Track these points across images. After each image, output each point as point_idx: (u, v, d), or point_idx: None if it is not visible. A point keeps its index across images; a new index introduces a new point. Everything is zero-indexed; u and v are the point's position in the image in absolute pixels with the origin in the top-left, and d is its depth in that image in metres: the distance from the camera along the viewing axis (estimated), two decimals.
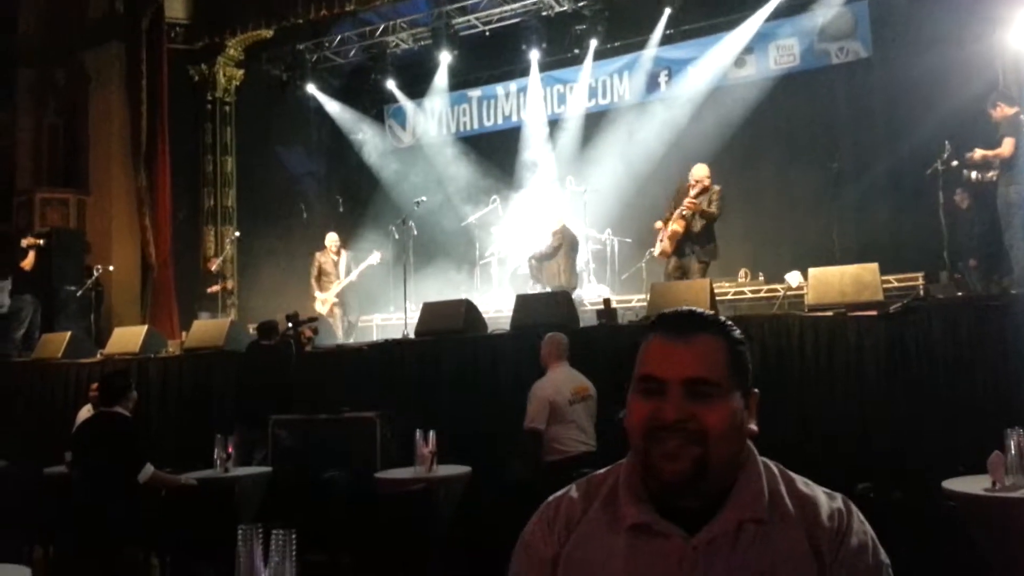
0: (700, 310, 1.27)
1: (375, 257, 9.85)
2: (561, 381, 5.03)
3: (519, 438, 5.02)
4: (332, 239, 10.05)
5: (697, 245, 7.52)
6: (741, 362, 1.23)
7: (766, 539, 1.16)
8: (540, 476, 4.88)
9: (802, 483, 1.24)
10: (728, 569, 1.15)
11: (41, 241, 9.91)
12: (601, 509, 1.25)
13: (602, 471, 1.33)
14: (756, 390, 1.24)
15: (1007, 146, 6.49)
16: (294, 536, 2.04)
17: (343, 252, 10.03)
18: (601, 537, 1.22)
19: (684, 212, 7.47)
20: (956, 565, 2.88)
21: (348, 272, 9.86)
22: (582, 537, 1.24)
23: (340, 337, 9.36)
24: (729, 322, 1.26)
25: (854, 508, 1.21)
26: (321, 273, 9.89)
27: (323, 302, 9.81)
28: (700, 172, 7.63)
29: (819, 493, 1.23)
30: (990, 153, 6.61)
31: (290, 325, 7.27)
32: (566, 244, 9.11)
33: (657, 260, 8.17)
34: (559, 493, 1.32)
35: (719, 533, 1.17)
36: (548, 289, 8.69)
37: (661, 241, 7.68)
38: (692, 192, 7.53)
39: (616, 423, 1.28)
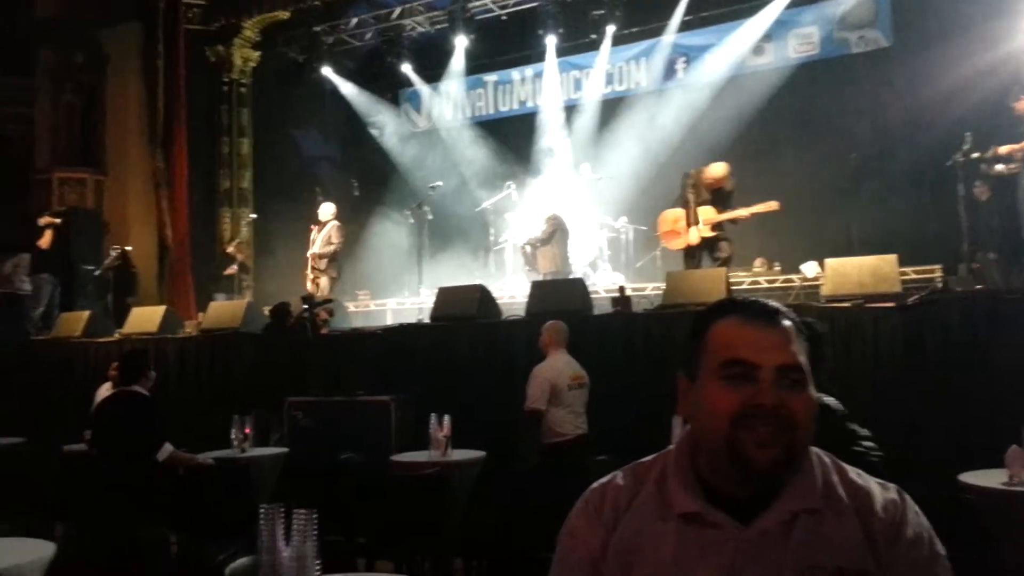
0: (765, 301, 1.25)
1: (337, 233, 9.51)
2: (561, 366, 5.20)
3: (523, 421, 5.14)
4: (325, 209, 9.72)
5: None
6: (810, 353, 1.21)
7: (821, 530, 1.15)
8: (540, 457, 5.04)
9: (855, 474, 1.22)
10: (782, 560, 1.13)
11: (58, 220, 9.96)
12: (650, 496, 1.24)
13: (648, 458, 1.31)
14: None
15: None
16: (315, 516, 2.07)
17: (329, 224, 9.58)
18: (651, 524, 1.21)
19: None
20: (972, 559, 2.87)
21: (327, 243, 9.50)
22: (631, 524, 1.22)
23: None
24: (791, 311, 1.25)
25: (908, 499, 1.19)
26: (310, 246, 9.68)
27: (308, 276, 9.60)
28: (718, 172, 7.76)
29: (872, 484, 1.21)
30: (1017, 147, 6.54)
31: (305, 307, 7.32)
32: (559, 231, 9.12)
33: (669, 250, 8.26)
34: (603, 480, 1.30)
35: (773, 524, 1.15)
36: (542, 275, 8.71)
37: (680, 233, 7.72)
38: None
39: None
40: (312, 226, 9.78)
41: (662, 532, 1.19)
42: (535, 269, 9.17)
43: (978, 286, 6.60)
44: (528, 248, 9.33)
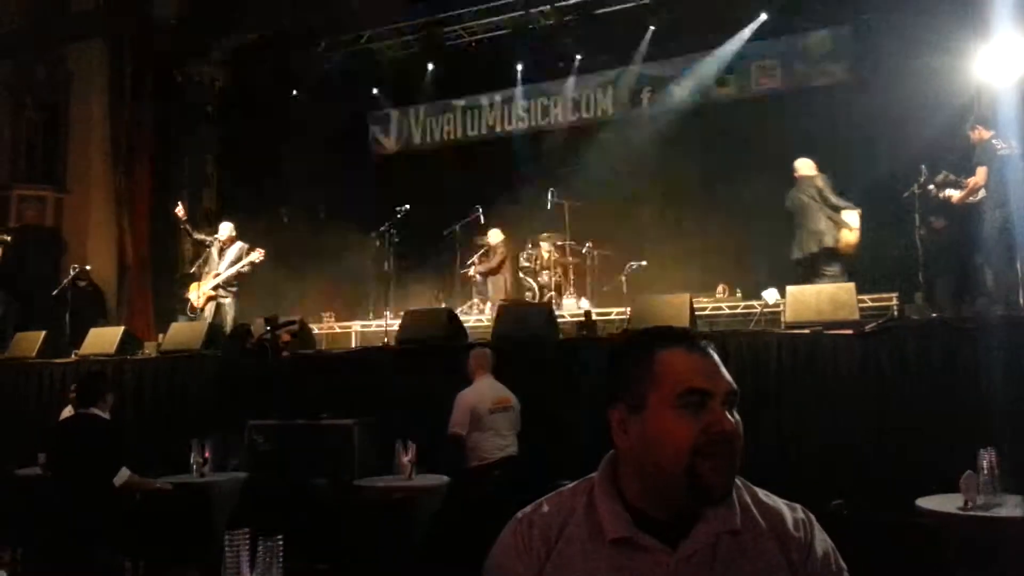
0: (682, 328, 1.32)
1: (256, 255, 8.94)
2: (484, 391, 5.42)
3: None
4: (226, 228, 9.20)
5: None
6: None
7: (742, 551, 1.20)
8: (462, 479, 5.19)
9: (764, 495, 1.28)
10: None
11: (8, 238, 9.73)
12: (580, 523, 1.25)
13: (571, 485, 1.32)
14: None
15: (980, 175, 6.64)
16: (281, 543, 2.05)
17: (236, 244, 9.08)
18: (583, 553, 1.22)
19: None
20: None
21: (232, 266, 9.01)
22: (564, 552, 1.23)
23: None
24: None
25: (813, 517, 1.26)
26: (207, 260, 9.14)
27: (200, 294, 9.03)
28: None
29: (781, 504, 1.27)
30: (967, 189, 6.75)
31: (267, 329, 7.22)
32: (509, 258, 9.15)
33: None
34: (527, 509, 1.31)
35: (700, 546, 1.19)
36: (491, 304, 8.69)
37: None
38: None
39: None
40: (204, 239, 9.36)
41: (595, 558, 1.21)
42: (487, 297, 9.13)
43: (933, 314, 6.75)
44: (478, 278, 9.28)
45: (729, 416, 1.19)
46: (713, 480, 1.17)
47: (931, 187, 7.02)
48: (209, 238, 9.25)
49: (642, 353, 1.25)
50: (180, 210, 9.63)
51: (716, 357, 1.24)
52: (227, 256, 9.04)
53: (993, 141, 6.74)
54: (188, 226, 9.63)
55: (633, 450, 1.23)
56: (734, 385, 1.21)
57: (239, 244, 9.10)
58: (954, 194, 6.85)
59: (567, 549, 1.23)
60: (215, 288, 8.98)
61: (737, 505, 1.22)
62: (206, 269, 9.12)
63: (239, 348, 6.91)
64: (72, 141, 12.13)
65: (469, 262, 9.64)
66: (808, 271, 7.90)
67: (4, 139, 12.18)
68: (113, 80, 12.03)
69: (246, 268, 8.99)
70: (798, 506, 1.27)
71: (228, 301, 9.07)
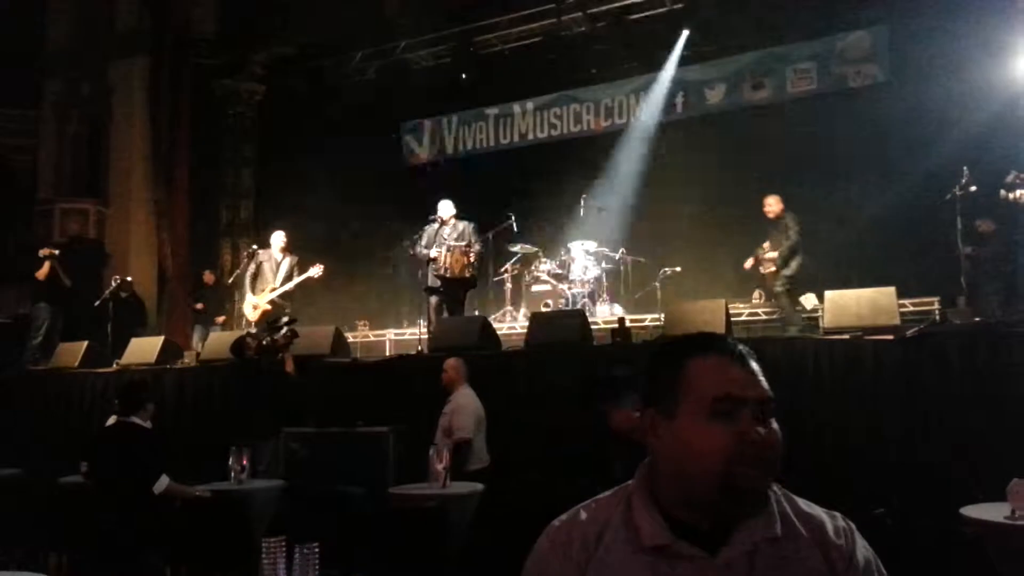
0: (722, 336, 1.31)
1: (316, 270, 8.84)
2: (476, 399, 5.68)
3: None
4: (278, 238, 9.05)
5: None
6: None
7: (783, 558, 1.19)
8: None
9: (804, 504, 1.27)
10: None
11: (57, 252, 9.97)
12: (619, 531, 1.25)
13: (608, 493, 1.32)
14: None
15: None
16: (317, 550, 2.06)
17: (288, 256, 8.99)
18: (622, 560, 1.22)
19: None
20: None
21: (288, 279, 8.87)
22: (604, 559, 1.23)
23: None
24: None
25: (854, 526, 1.26)
26: (258, 273, 8.95)
27: (254, 307, 8.83)
28: (770, 202, 8.27)
29: (821, 513, 1.26)
30: None
31: (265, 335, 6.92)
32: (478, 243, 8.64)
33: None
34: (565, 517, 1.31)
35: (738, 554, 1.18)
36: (443, 275, 8.20)
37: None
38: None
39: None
40: (257, 248, 9.28)
41: (635, 566, 1.21)
42: (449, 271, 8.20)
43: (976, 319, 6.61)
44: (442, 252, 8.32)
45: (764, 424, 1.18)
46: (748, 487, 1.17)
47: (1000, 190, 6.81)
48: (262, 251, 9.11)
49: (676, 359, 1.25)
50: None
51: (754, 364, 1.23)
52: (282, 268, 8.90)
53: None
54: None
55: (666, 455, 1.24)
56: (769, 393, 1.20)
57: (290, 257, 9.01)
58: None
59: (606, 557, 1.23)
60: (270, 303, 8.80)
61: (776, 513, 1.22)
62: (259, 285, 8.92)
63: (240, 359, 6.75)
64: (113, 155, 12.41)
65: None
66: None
67: (49, 154, 12.50)
68: (153, 95, 12.29)
69: (305, 283, 8.84)
70: (838, 514, 1.27)
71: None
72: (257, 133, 13.18)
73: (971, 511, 3.58)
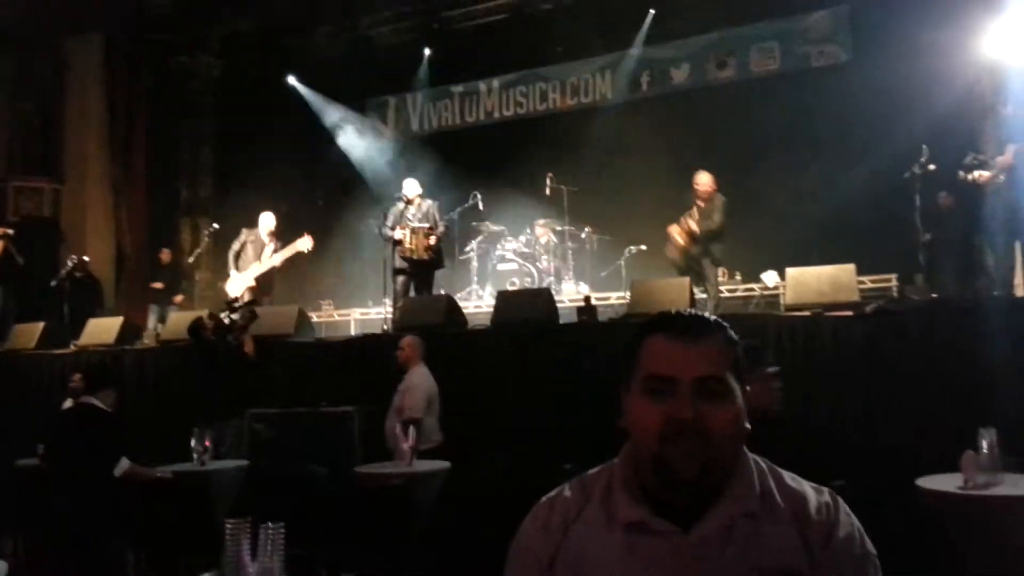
0: (700, 313, 1.29)
1: (305, 242, 8.64)
2: (431, 378, 5.67)
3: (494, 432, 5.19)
4: (267, 220, 8.83)
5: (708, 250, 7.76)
6: (739, 361, 1.25)
7: (758, 534, 1.19)
8: None
9: (790, 478, 1.27)
10: (723, 565, 1.17)
11: (10, 231, 9.70)
12: (597, 508, 1.27)
13: (595, 470, 1.34)
14: (748, 388, 1.27)
15: (1010, 154, 6.38)
16: (283, 531, 2.04)
17: (275, 240, 8.78)
18: (598, 535, 1.24)
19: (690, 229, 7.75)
20: (931, 560, 2.94)
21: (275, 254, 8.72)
22: (578, 536, 1.25)
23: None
24: (725, 324, 1.29)
25: (841, 501, 1.24)
26: (242, 252, 8.77)
27: (238, 283, 8.68)
28: (703, 180, 7.84)
29: (807, 488, 1.26)
30: (997, 168, 6.51)
31: (224, 317, 6.82)
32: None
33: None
34: (552, 493, 1.34)
35: (713, 529, 1.19)
36: (415, 259, 8.16)
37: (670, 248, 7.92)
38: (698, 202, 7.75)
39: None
40: (243, 227, 8.96)
41: (609, 542, 1.22)
42: (414, 252, 8.14)
43: (933, 295, 6.74)
44: (407, 234, 8.20)
45: (710, 403, 1.17)
46: (676, 466, 1.17)
47: (959, 171, 6.85)
48: (248, 230, 8.88)
49: (636, 337, 1.27)
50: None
51: (707, 342, 1.22)
52: (267, 251, 8.72)
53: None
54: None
55: (629, 432, 1.26)
56: (709, 372, 1.19)
57: (276, 242, 8.77)
58: (983, 174, 6.66)
59: (582, 532, 1.25)
60: (256, 279, 8.65)
61: (758, 488, 1.22)
62: (241, 265, 8.70)
63: (197, 340, 6.65)
64: (68, 133, 12.08)
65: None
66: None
67: (1, 132, 12.13)
68: (109, 71, 11.98)
69: (289, 256, 8.66)
70: (826, 490, 1.26)
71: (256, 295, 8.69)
72: (216, 111, 12.92)
73: (926, 482, 3.67)
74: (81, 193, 11.83)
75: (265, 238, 8.78)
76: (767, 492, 1.23)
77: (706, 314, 1.29)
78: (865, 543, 1.21)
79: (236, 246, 8.84)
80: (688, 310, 1.30)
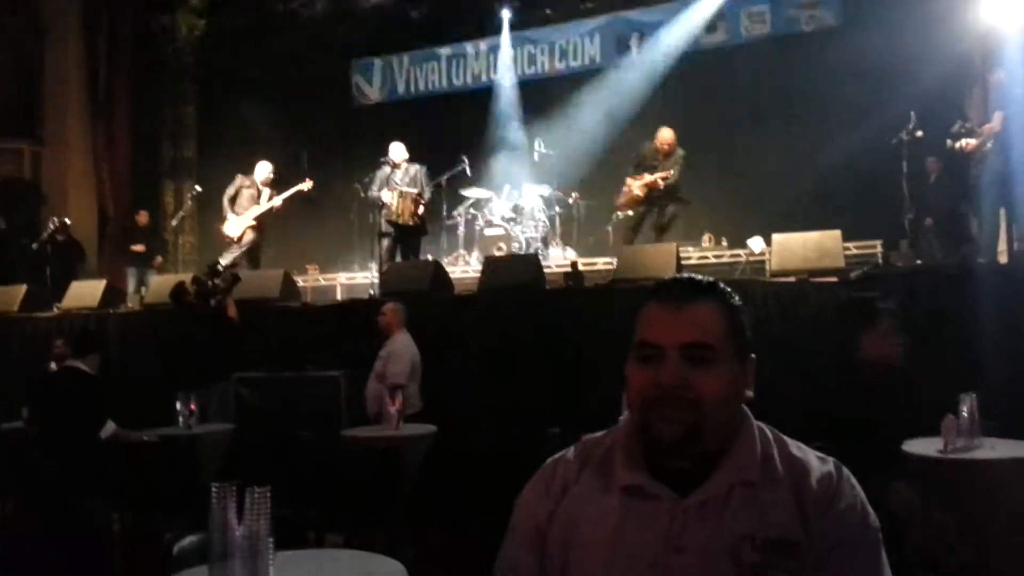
0: (699, 277, 1.28)
1: (306, 184, 8.85)
2: (412, 345, 5.63)
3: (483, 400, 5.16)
4: (264, 168, 8.89)
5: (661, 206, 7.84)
6: (739, 329, 1.24)
7: (755, 502, 1.18)
8: None
9: (795, 447, 1.25)
10: (717, 531, 1.17)
11: None
12: (596, 471, 1.28)
13: (599, 434, 1.35)
14: (753, 356, 1.26)
15: (997, 121, 6.36)
16: (269, 494, 2.03)
17: (270, 190, 8.87)
18: (594, 498, 1.24)
19: (649, 182, 7.77)
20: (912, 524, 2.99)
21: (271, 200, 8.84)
22: (576, 497, 1.26)
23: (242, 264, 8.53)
24: (728, 289, 1.27)
25: (845, 472, 1.22)
26: (237, 197, 8.83)
27: (237, 225, 8.74)
28: (666, 136, 7.85)
29: (811, 457, 1.24)
30: (984, 136, 6.50)
31: (205, 280, 6.76)
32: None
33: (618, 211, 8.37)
34: (557, 455, 1.34)
35: (710, 496, 1.19)
36: (399, 223, 8.21)
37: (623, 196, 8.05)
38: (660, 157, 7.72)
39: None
40: (239, 174, 8.98)
41: (605, 505, 1.23)
42: (400, 217, 8.20)
43: (918, 261, 6.78)
44: (394, 196, 8.23)
45: (680, 370, 1.17)
46: (659, 428, 1.18)
47: (947, 140, 6.83)
48: (243, 176, 8.93)
49: (641, 304, 1.28)
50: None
51: (696, 308, 1.21)
52: (263, 198, 8.83)
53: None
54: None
55: None
56: (696, 338, 1.18)
57: (271, 190, 8.91)
58: (970, 142, 6.64)
59: (580, 493, 1.26)
60: (256, 218, 8.76)
61: (759, 456, 1.21)
62: (239, 203, 8.78)
63: (179, 304, 6.59)
64: (48, 93, 11.86)
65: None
66: None
67: None
68: (88, 29, 11.73)
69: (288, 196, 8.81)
70: (831, 459, 1.24)
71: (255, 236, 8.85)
72: (199, 70, 12.70)
73: (910, 446, 3.72)
74: (62, 155, 11.66)
75: (260, 186, 8.84)
76: (768, 460, 1.22)
77: (703, 278, 1.27)
78: (868, 516, 1.19)
79: (231, 191, 8.87)
80: (686, 275, 1.29)
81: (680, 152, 7.89)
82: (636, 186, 7.96)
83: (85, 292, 8.25)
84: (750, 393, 1.25)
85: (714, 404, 1.18)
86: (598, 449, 1.30)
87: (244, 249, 8.76)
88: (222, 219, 8.93)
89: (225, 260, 8.14)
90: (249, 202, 8.80)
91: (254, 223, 8.75)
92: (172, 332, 7.13)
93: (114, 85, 11.75)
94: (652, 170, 7.96)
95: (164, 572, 2.29)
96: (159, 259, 10.64)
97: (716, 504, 1.18)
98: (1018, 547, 3.41)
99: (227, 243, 8.85)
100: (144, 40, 12.20)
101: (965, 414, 3.61)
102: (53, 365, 6.12)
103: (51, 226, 9.90)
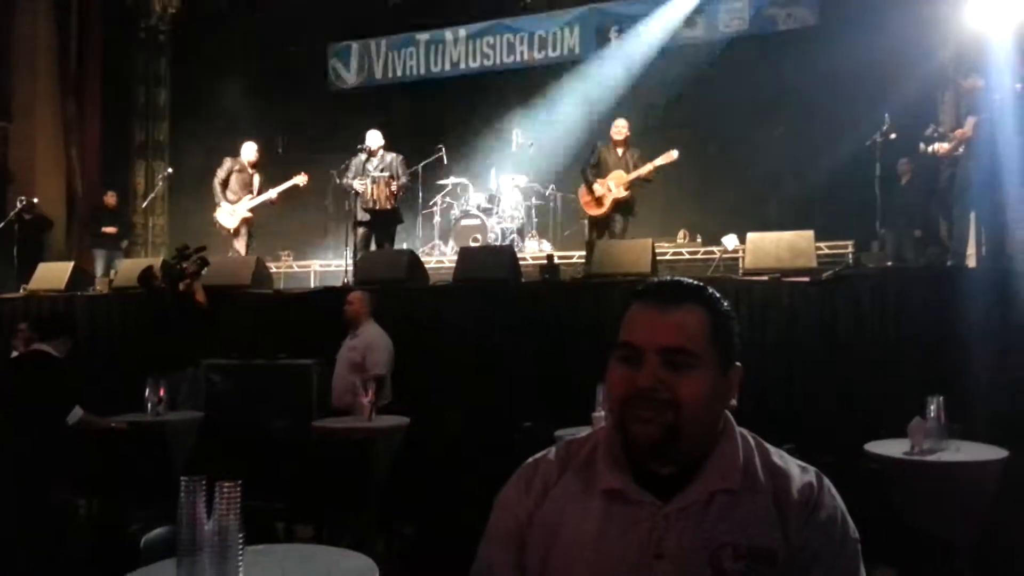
0: (687, 280, 1.27)
1: (301, 178, 8.80)
2: (385, 335, 5.56)
3: (455, 390, 5.15)
4: (250, 150, 8.80)
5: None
6: (725, 336, 1.23)
7: (736, 510, 1.18)
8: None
9: (777, 455, 1.25)
10: (697, 537, 1.17)
11: None
12: (578, 473, 1.27)
13: (582, 436, 1.34)
14: (739, 364, 1.25)
15: (969, 126, 6.41)
16: (239, 488, 2.01)
17: (258, 172, 8.85)
18: (575, 501, 1.24)
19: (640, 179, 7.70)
20: (876, 524, 3.02)
21: (262, 191, 8.76)
22: (556, 499, 1.26)
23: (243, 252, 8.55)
24: (716, 294, 1.26)
25: (827, 482, 1.23)
26: (229, 181, 8.70)
27: (231, 214, 8.65)
28: (623, 123, 7.89)
29: (792, 466, 1.24)
30: (956, 141, 6.56)
31: (173, 264, 6.67)
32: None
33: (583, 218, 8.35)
34: (538, 455, 1.34)
35: (691, 502, 1.19)
36: (374, 208, 8.19)
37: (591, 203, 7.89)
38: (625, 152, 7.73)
39: None
40: (226, 157, 8.86)
41: (586, 508, 1.22)
42: (377, 203, 8.18)
43: (888, 263, 6.87)
44: (367, 184, 8.21)
45: (659, 372, 1.17)
46: (634, 432, 1.18)
47: (920, 143, 6.89)
48: (231, 159, 8.81)
49: (626, 304, 1.28)
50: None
51: (679, 312, 1.20)
52: (255, 181, 8.77)
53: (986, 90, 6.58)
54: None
55: None
56: (677, 343, 1.18)
57: (259, 174, 8.85)
58: (943, 146, 6.71)
59: (561, 495, 1.25)
60: (251, 210, 8.70)
61: (741, 464, 1.21)
62: (228, 195, 8.67)
63: (147, 289, 6.50)
64: (16, 68, 11.57)
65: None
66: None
67: None
68: (59, 5, 11.47)
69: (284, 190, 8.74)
70: (812, 469, 1.24)
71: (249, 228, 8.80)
72: (172, 50, 12.49)
73: (874, 447, 3.78)
74: (30, 132, 11.40)
75: (250, 169, 8.77)
76: (750, 468, 1.22)
77: (690, 281, 1.26)
78: (847, 527, 1.19)
79: (221, 175, 8.76)
80: (673, 278, 1.29)
81: (632, 148, 7.86)
82: (617, 185, 7.73)
83: (52, 274, 8.11)
84: (734, 402, 1.25)
85: (691, 408, 1.17)
86: (581, 451, 1.30)
87: (243, 240, 8.71)
88: (213, 205, 8.80)
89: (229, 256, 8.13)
90: (241, 187, 8.69)
91: (249, 214, 8.69)
92: (141, 316, 7.03)
93: (85, 61, 11.50)
94: (618, 167, 7.85)
95: (131, 564, 2.26)
96: (125, 242, 10.47)
97: (697, 511, 1.18)
98: (985, 547, 3.50)
99: (218, 233, 8.72)
100: (117, 16, 11.96)
101: (932, 416, 3.68)
102: (20, 348, 6.00)
103: (18, 204, 9.70)
